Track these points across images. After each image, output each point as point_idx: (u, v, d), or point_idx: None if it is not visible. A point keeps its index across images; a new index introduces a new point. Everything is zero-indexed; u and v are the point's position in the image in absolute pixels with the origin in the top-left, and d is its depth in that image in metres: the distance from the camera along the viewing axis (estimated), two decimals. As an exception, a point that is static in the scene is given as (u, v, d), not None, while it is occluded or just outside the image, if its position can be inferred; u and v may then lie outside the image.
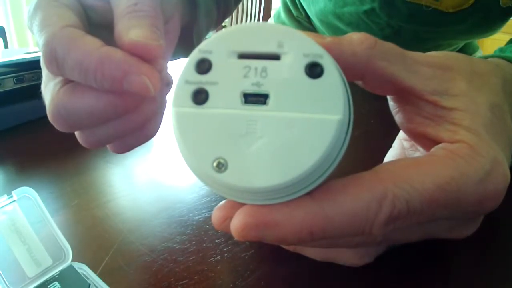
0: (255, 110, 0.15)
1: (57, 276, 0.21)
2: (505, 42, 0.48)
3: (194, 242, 0.24)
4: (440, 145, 0.18)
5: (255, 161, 0.14)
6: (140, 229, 0.26)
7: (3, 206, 0.22)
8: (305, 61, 0.15)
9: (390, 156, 0.25)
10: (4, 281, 0.20)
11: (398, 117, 0.21)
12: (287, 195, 0.15)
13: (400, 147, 0.25)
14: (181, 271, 0.22)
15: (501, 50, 0.30)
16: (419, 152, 0.23)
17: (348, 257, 0.20)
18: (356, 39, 0.18)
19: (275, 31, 0.15)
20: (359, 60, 0.17)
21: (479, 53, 0.67)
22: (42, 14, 0.20)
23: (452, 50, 0.62)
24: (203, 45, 0.15)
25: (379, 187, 0.15)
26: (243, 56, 0.15)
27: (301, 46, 0.15)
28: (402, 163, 0.17)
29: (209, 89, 0.15)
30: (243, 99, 0.15)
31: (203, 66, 0.15)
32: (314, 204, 0.15)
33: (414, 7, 0.48)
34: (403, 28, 0.51)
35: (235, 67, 0.15)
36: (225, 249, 0.24)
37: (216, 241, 0.24)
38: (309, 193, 0.15)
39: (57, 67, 0.19)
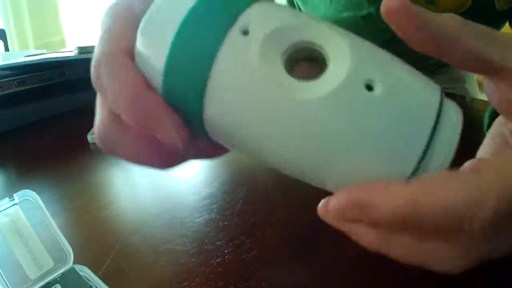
0: None
1: (58, 278, 0.21)
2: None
3: (195, 244, 0.24)
4: None
5: None
6: (142, 231, 0.26)
7: (5, 209, 0.22)
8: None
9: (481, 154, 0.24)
10: (6, 283, 0.20)
11: (493, 96, 0.20)
12: None
13: (492, 144, 0.23)
14: (183, 273, 0.22)
15: None
16: None
17: (441, 262, 0.18)
18: (449, 19, 0.18)
19: None
20: (450, 36, 0.17)
21: None
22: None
23: None
24: None
25: (480, 185, 0.15)
26: None
27: None
28: (505, 158, 0.16)
29: None
30: None
31: None
32: (411, 193, 0.15)
33: None
34: None
35: None
36: (226, 251, 0.24)
37: (217, 243, 0.24)
38: (407, 182, 0.15)
39: None
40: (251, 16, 0.17)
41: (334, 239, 0.24)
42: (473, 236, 0.16)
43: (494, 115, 0.23)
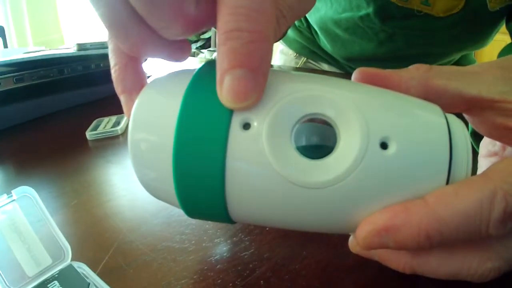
0: None
1: (56, 275, 0.21)
2: (503, 43, 0.48)
3: (193, 242, 0.24)
4: None
5: None
6: (140, 228, 0.26)
7: (3, 206, 0.22)
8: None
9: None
10: (4, 280, 0.20)
11: (481, 127, 0.21)
12: None
13: (489, 163, 0.24)
14: (181, 271, 0.22)
15: None
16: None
17: (473, 269, 0.18)
18: (411, 67, 0.19)
19: None
20: (418, 83, 0.18)
21: None
22: None
23: (447, 63, 0.63)
24: None
25: (488, 186, 0.16)
26: None
27: None
28: (508, 161, 0.17)
29: None
30: None
31: None
32: (428, 209, 0.16)
33: (406, 12, 0.49)
34: (397, 33, 0.53)
35: None
36: (224, 248, 0.24)
37: (216, 240, 0.24)
38: (422, 199, 0.16)
39: None
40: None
41: (334, 237, 0.24)
42: (493, 237, 0.16)
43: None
